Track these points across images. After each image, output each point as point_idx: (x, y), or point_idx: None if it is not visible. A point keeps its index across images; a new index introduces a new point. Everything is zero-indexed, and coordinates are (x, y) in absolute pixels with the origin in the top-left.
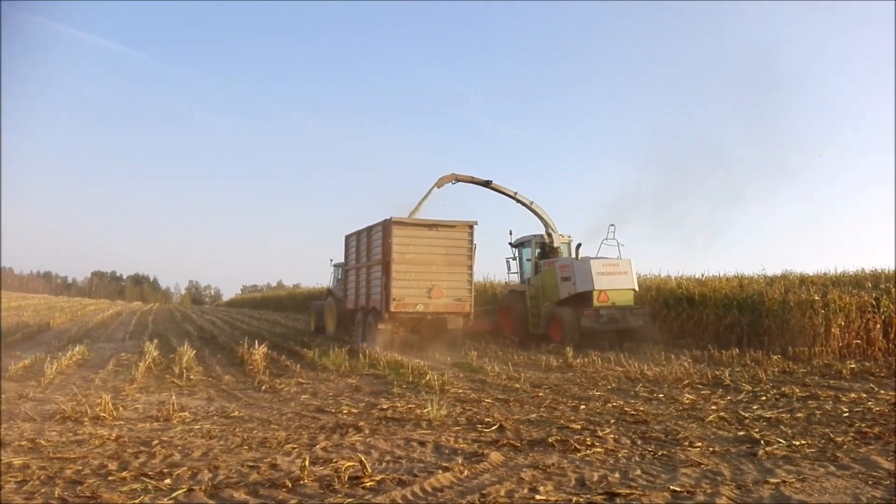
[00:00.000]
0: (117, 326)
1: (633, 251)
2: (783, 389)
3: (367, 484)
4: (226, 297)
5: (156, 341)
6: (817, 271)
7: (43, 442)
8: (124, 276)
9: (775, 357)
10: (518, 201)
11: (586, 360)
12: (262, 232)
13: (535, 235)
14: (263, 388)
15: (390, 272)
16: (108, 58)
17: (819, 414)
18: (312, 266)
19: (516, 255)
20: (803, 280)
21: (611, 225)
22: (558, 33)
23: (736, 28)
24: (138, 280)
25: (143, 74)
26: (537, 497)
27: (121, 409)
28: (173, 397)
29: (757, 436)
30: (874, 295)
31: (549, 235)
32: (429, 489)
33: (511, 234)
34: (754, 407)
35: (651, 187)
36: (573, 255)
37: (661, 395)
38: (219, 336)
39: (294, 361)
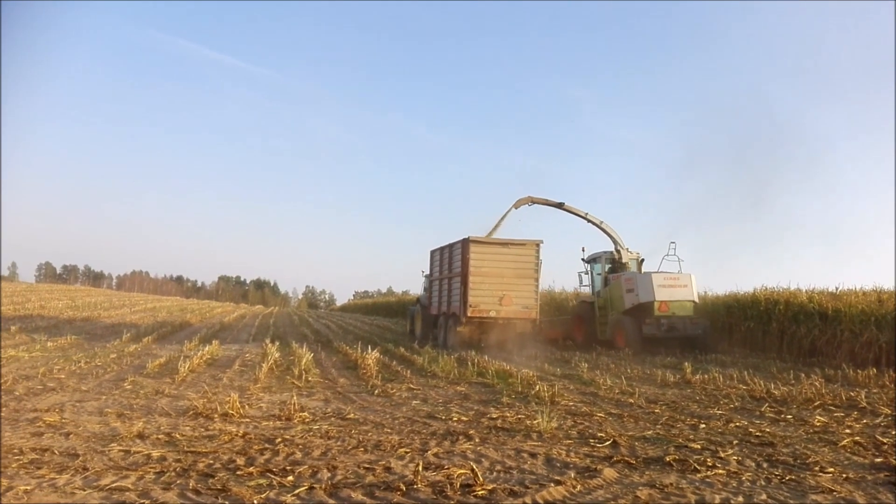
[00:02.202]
0: (242, 328)
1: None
2: None
3: (479, 492)
4: (339, 302)
5: (276, 343)
6: None
7: (178, 436)
8: (247, 281)
9: None
10: (589, 221)
11: (706, 376)
12: (375, 240)
13: (605, 252)
14: (376, 392)
15: (468, 283)
16: (234, 73)
17: None
18: (419, 274)
19: (588, 269)
20: None
21: (671, 242)
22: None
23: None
24: (259, 285)
25: (266, 89)
26: None
27: (246, 407)
28: (294, 398)
29: None
30: None
31: (619, 252)
32: (541, 502)
33: (584, 250)
34: (893, 432)
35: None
36: (639, 271)
37: (789, 417)
38: (333, 340)
39: (404, 367)
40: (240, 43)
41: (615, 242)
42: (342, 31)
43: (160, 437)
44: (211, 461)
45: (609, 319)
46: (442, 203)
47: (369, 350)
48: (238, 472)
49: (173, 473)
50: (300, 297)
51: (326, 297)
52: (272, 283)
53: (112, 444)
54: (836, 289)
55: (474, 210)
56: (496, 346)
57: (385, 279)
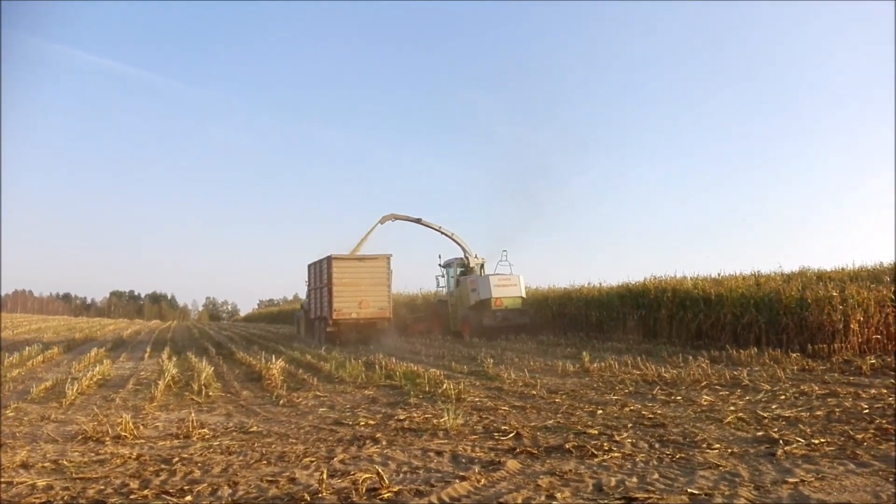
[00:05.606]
0: (136, 345)
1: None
2: (802, 388)
3: (385, 495)
4: (243, 312)
5: (174, 359)
6: (835, 267)
7: (66, 463)
8: (142, 295)
9: (794, 355)
10: (442, 233)
11: (603, 364)
12: (278, 247)
13: (457, 258)
14: (281, 402)
15: (332, 292)
16: (122, 79)
17: (839, 411)
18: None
19: (444, 273)
20: (820, 276)
21: (503, 250)
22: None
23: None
24: (156, 298)
25: (156, 94)
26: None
27: (141, 427)
28: (192, 414)
29: (776, 435)
30: (893, 289)
31: (467, 258)
32: (446, 499)
33: (440, 257)
34: (773, 406)
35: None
36: (480, 273)
37: (678, 398)
38: (236, 351)
39: (311, 374)
40: (128, 48)
41: (464, 250)
42: (246, 35)
43: (46, 465)
44: (102, 486)
45: (458, 314)
46: (345, 207)
47: (274, 359)
48: (132, 496)
49: (60, 503)
50: (200, 309)
51: (229, 307)
52: (169, 297)
53: None
54: (719, 275)
55: (371, 212)
56: (360, 340)
57: (291, 287)
